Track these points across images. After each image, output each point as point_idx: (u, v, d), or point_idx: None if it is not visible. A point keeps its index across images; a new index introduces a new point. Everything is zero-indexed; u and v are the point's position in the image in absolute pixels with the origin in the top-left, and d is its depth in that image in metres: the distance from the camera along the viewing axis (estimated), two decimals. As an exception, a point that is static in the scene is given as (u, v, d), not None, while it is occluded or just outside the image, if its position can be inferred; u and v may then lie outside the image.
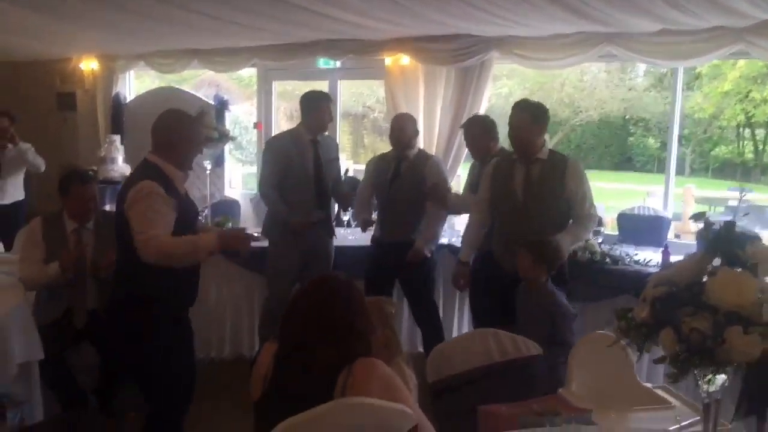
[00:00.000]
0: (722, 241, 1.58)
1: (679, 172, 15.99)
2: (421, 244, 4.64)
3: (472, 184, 4.65)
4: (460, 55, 5.54)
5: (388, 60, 5.98)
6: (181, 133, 3.17)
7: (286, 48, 6.29)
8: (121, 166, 6.97)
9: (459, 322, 5.28)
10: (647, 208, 5.59)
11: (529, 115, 3.93)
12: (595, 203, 4.03)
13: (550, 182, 3.88)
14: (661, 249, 4.70)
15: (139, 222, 2.93)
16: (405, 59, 5.89)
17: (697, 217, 1.67)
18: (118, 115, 7.55)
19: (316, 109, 4.64)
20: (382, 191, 4.79)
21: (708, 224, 1.62)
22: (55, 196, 6.18)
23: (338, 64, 6.59)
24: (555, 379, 2.69)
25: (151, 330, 3.05)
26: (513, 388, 2.47)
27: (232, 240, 3.14)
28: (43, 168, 6.30)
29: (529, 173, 3.92)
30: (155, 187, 2.94)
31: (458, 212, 5.09)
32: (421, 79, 5.92)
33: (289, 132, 4.81)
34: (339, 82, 6.89)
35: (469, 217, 4.31)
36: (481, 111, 5.71)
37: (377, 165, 4.91)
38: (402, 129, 4.78)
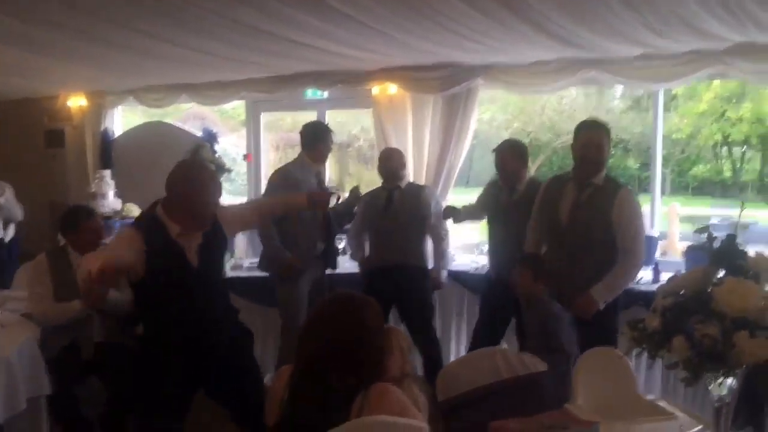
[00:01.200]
0: (726, 253, 1.68)
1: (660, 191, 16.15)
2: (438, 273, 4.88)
3: (484, 201, 4.75)
4: (447, 82, 5.66)
5: (376, 89, 6.07)
6: (181, 193, 3.08)
7: (274, 80, 6.38)
8: (111, 201, 7.00)
9: (457, 346, 5.35)
10: (635, 227, 5.68)
11: (605, 132, 3.90)
12: (643, 243, 3.84)
13: (597, 209, 3.77)
14: (650, 267, 4.82)
15: None
16: (392, 88, 5.98)
17: (701, 231, 1.75)
18: (107, 150, 7.59)
19: (322, 140, 4.77)
20: (376, 220, 4.88)
21: (711, 238, 1.71)
22: (46, 234, 6.23)
23: (326, 94, 6.70)
24: (562, 389, 2.75)
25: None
26: (522, 404, 2.54)
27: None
28: (20, 217, 6.35)
29: (579, 197, 3.84)
30: (127, 230, 3.13)
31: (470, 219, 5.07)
32: (408, 107, 6.02)
33: (294, 163, 4.86)
34: (327, 112, 6.99)
35: (527, 238, 4.17)
36: (469, 136, 5.85)
37: (367, 200, 4.99)
38: (389, 159, 4.91)
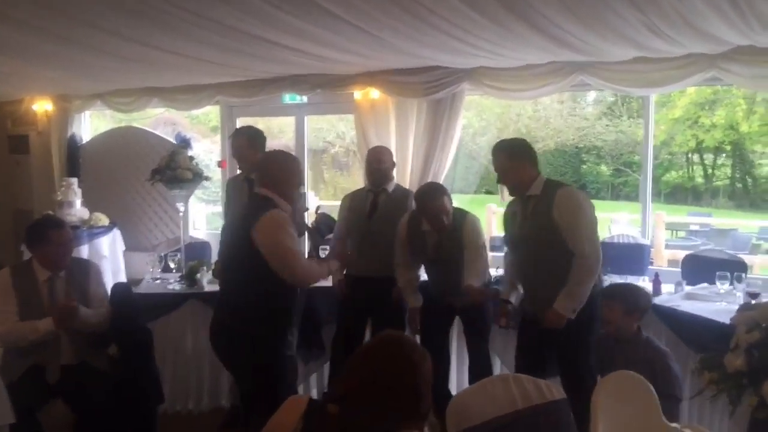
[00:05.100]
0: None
1: (633, 198, 16.25)
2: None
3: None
4: (432, 87, 5.46)
5: (358, 94, 5.88)
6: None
7: (251, 84, 6.15)
8: (79, 210, 6.65)
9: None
10: (627, 236, 5.54)
11: (506, 154, 3.81)
12: (595, 239, 3.58)
13: (539, 217, 3.62)
14: (643, 277, 4.68)
15: None
16: (375, 93, 5.78)
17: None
18: (74, 156, 7.27)
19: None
20: (359, 226, 4.63)
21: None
22: (8, 244, 5.89)
23: (305, 99, 6.46)
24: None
25: None
26: (541, 436, 2.32)
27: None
28: None
29: (525, 210, 3.73)
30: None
31: None
32: (391, 112, 5.82)
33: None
34: (306, 117, 6.75)
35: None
36: (454, 142, 5.65)
37: (352, 202, 4.77)
38: (380, 161, 4.66)
